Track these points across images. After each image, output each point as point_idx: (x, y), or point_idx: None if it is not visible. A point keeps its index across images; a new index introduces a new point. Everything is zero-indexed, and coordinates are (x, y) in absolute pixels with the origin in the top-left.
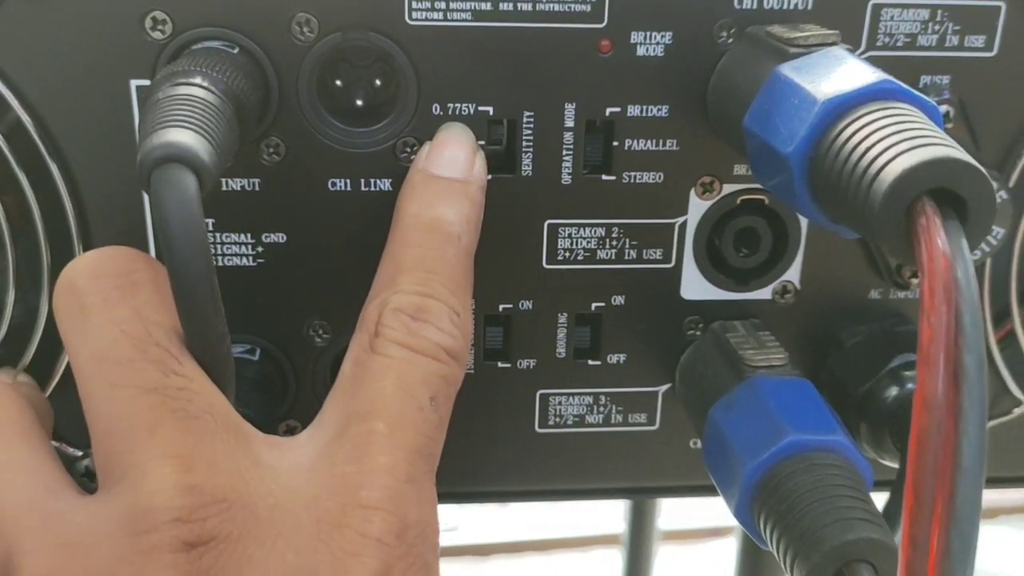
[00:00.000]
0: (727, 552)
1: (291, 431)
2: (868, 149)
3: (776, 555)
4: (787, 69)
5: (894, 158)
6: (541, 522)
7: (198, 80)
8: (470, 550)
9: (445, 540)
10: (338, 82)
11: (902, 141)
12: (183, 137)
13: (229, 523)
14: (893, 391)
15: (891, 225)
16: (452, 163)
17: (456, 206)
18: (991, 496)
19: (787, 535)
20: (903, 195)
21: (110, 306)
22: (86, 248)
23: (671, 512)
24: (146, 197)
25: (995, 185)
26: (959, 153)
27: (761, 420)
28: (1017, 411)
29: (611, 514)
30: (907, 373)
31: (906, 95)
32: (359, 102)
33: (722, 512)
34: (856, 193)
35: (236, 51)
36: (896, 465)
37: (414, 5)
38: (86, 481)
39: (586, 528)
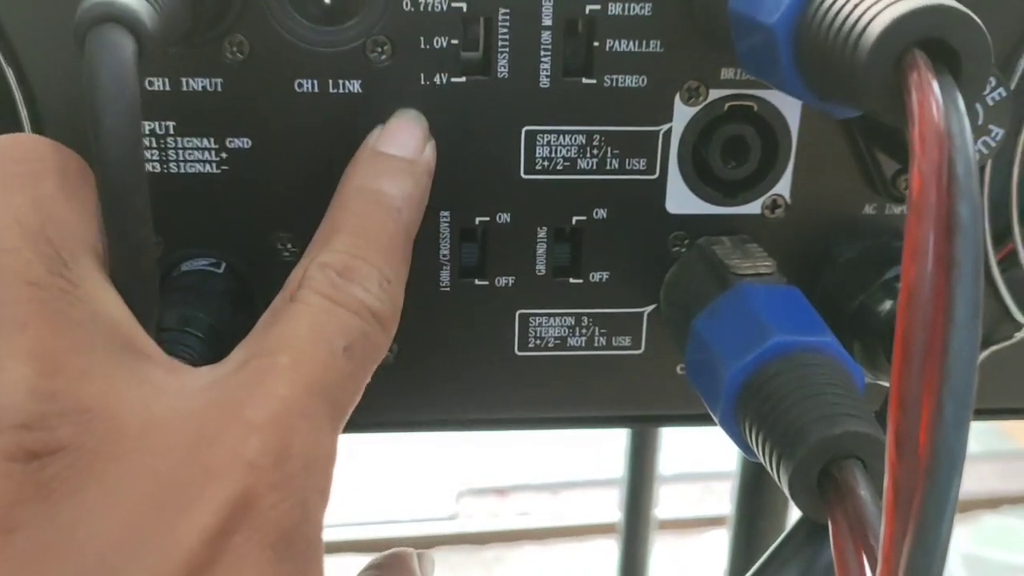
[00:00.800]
0: (724, 542)
1: None
2: (855, 6)
3: (763, 461)
4: None
5: (880, 11)
6: (539, 511)
7: None
8: (468, 538)
9: (441, 528)
10: None
11: None
12: None
13: (85, 435)
14: (887, 304)
15: (880, 82)
16: (402, 144)
17: (399, 182)
18: (994, 486)
19: (772, 435)
20: (891, 47)
21: (8, 191)
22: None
23: (668, 501)
24: None
25: (994, 80)
26: (950, 1)
27: (745, 324)
28: (1019, 335)
29: (608, 503)
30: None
31: None
32: None
33: (719, 501)
34: (843, 54)
35: None
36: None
37: None
38: None
39: (583, 518)
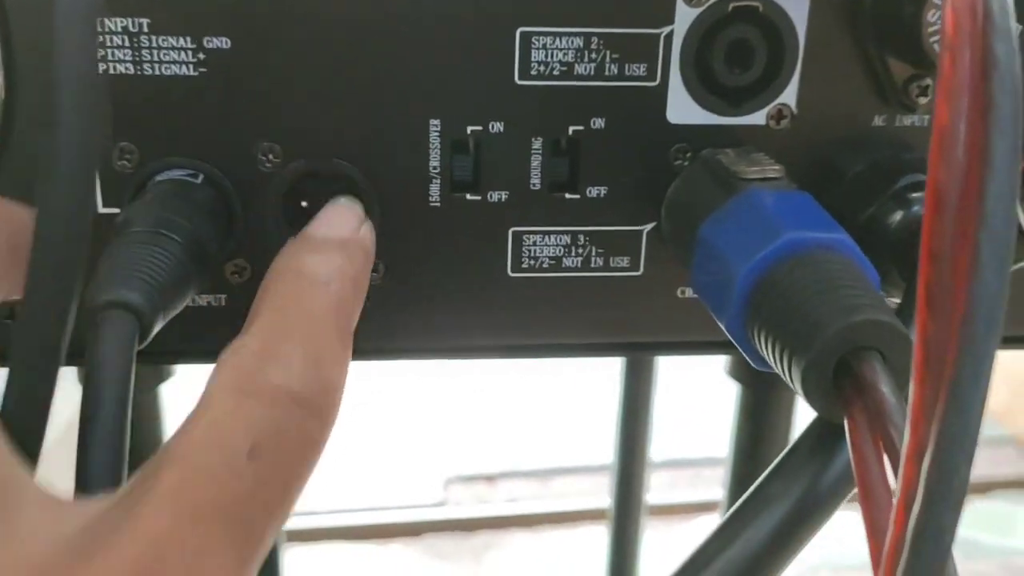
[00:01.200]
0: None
1: (239, 272)
2: None
3: (773, 364)
4: None
5: None
6: (528, 497)
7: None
8: (456, 525)
9: (429, 515)
10: None
11: None
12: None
13: None
14: (898, 215)
15: None
16: (331, 226)
17: (327, 256)
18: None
19: (785, 334)
20: None
21: None
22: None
23: (658, 487)
24: None
25: None
26: None
27: (756, 225)
28: None
29: (598, 490)
30: (914, 195)
31: None
32: None
33: (710, 487)
34: None
35: None
36: None
37: None
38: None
39: (573, 504)
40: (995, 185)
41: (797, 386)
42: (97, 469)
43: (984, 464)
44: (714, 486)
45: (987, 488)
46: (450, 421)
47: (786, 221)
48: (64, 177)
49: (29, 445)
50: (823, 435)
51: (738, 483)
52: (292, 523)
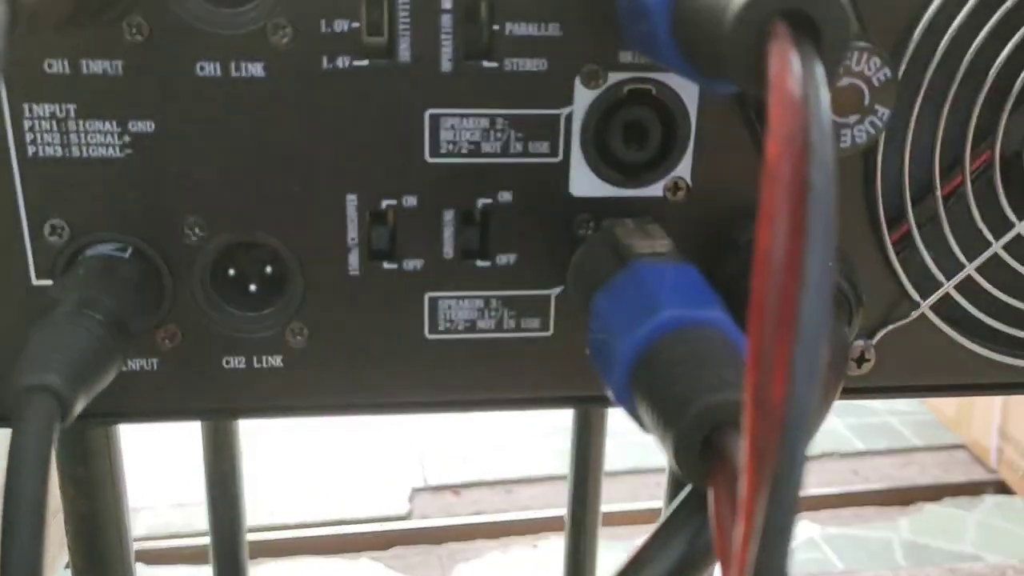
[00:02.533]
0: None
1: (170, 338)
2: None
3: (653, 433)
4: None
5: None
6: (493, 508)
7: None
8: (423, 536)
9: (396, 526)
10: None
11: None
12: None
13: None
14: None
15: (743, 51)
16: None
17: None
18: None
19: (659, 407)
20: (754, 16)
21: None
22: None
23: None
24: None
25: (879, 60)
26: None
27: (639, 301)
28: (915, 314)
29: (562, 499)
30: None
31: None
32: None
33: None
34: (711, 25)
35: None
36: None
37: None
38: None
39: (537, 513)
40: (808, 302)
41: (670, 457)
42: (18, 559)
43: (936, 470)
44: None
45: (938, 494)
46: (415, 432)
47: (666, 298)
48: None
49: None
50: (698, 501)
51: (677, 490)
52: (260, 537)
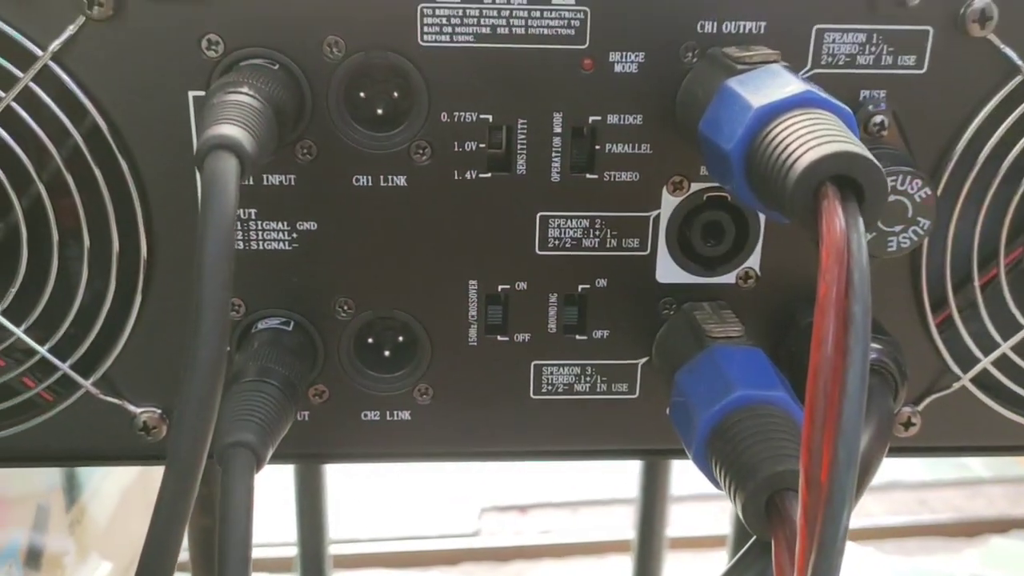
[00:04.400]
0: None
1: (320, 395)
2: (788, 145)
3: (724, 491)
4: (733, 82)
5: (805, 152)
6: (558, 528)
7: (245, 89)
8: (490, 554)
9: (465, 544)
10: (362, 94)
11: (814, 139)
12: (231, 130)
13: None
14: None
15: (802, 206)
16: None
17: None
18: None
19: (731, 471)
20: (810, 180)
21: None
22: (148, 235)
23: (679, 521)
24: (199, 181)
25: (919, 182)
26: (858, 148)
27: (715, 380)
28: (956, 385)
29: (626, 521)
30: None
31: (825, 103)
32: (379, 111)
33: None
34: (778, 180)
35: (276, 67)
36: None
37: (426, 29)
38: (143, 435)
39: (601, 535)
40: (848, 407)
41: (740, 513)
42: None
43: (1003, 502)
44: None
45: (1006, 527)
46: None
47: (739, 379)
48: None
49: None
50: (761, 549)
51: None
52: (337, 549)
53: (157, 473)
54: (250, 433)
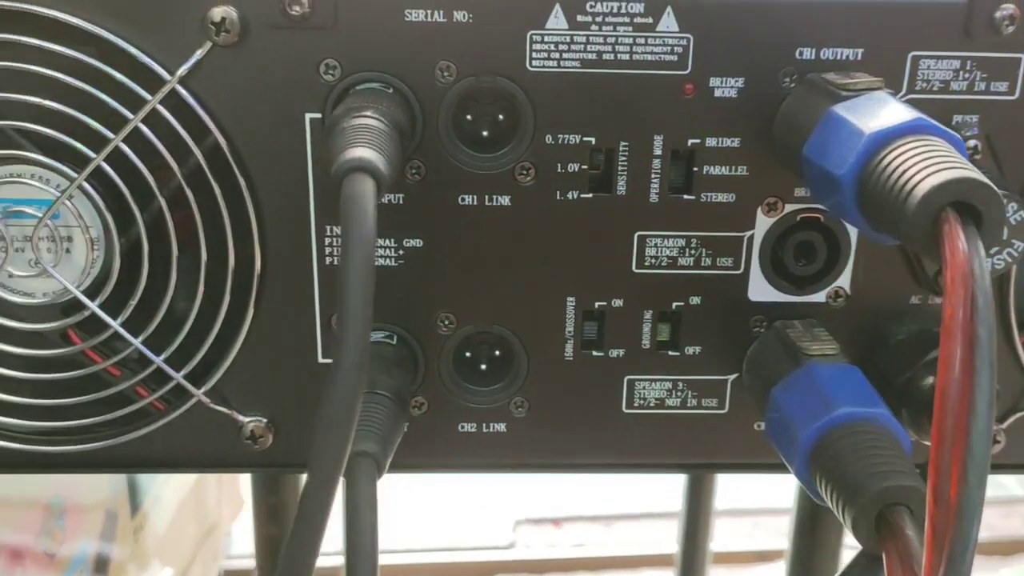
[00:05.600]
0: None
1: (419, 407)
2: (905, 171)
3: (830, 505)
4: (840, 108)
5: (925, 178)
6: (593, 541)
7: (371, 113)
8: (525, 567)
9: (499, 556)
10: (468, 116)
11: (932, 165)
12: (367, 153)
13: None
14: (929, 380)
15: (922, 230)
16: None
17: None
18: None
19: (837, 487)
20: (931, 206)
21: None
22: (263, 249)
23: (722, 535)
24: (311, 199)
25: (1015, 205)
26: (976, 174)
27: (815, 397)
28: None
29: (659, 535)
30: None
31: (936, 130)
32: (484, 132)
33: (768, 536)
34: (894, 205)
35: (391, 91)
36: None
37: (534, 55)
38: (250, 444)
39: (635, 549)
40: (977, 427)
41: (849, 527)
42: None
43: (1019, 524)
44: (771, 535)
45: (1012, 550)
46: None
47: (839, 397)
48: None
49: None
50: (869, 561)
51: (802, 533)
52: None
53: (211, 482)
54: (372, 443)
